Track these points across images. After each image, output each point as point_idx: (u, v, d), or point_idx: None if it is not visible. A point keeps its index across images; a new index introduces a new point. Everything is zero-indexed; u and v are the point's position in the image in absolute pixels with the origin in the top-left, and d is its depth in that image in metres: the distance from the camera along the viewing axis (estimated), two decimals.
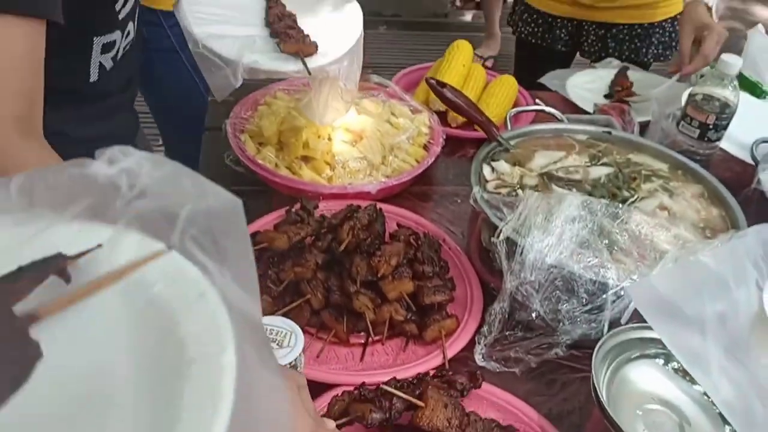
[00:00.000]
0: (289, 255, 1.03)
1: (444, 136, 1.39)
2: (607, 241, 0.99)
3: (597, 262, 0.94)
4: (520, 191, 1.10)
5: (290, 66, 1.12)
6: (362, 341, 0.99)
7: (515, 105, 1.60)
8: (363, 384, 0.87)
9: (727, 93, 1.24)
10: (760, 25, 1.73)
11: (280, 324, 0.82)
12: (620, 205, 1.02)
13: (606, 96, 1.66)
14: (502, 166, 1.18)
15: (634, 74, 1.74)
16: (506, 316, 0.98)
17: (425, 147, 1.35)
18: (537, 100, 1.55)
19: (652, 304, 0.86)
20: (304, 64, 1.11)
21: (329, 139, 1.27)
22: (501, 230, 0.98)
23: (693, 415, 0.86)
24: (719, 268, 0.94)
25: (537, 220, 0.99)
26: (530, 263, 0.94)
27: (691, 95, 1.28)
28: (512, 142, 1.25)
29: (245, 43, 1.10)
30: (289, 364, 0.78)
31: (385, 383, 0.83)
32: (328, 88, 1.19)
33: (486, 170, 1.17)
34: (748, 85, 1.59)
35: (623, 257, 0.99)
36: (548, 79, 1.75)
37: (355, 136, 1.29)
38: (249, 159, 1.25)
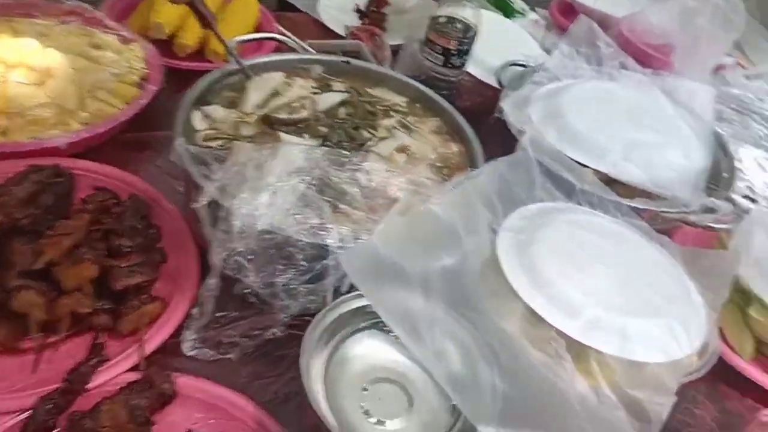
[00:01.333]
0: None
1: (165, 71, 1.17)
2: (332, 196, 0.86)
3: (317, 223, 0.81)
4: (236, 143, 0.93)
5: None
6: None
7: (259, 29, 1.40)
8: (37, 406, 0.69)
9: (467, 14, 1.15)
10: None
11: None
12: (347, 153, 0.89)
13: (360, 17, 1.52)
14: (217, 111, 1.00)
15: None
16: (219, 293, 0.82)
17: (140, 85, 1.12)
18: (276, 25, 1.37)
19: (366, 267, 0.75)
20: None
21: (1, 80, 0.99)
22: (203, 192, 0.81)
23: (422, 384, 0.78)
24: (449, 216, 0.86)
25: (248, 178, 0.83)
26: (238, 229, 0.78)
27: (433, 18, 1.17)
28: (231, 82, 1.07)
29: None
30: None
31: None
32: None
33: (196, 117, 0.98)
34: (499, 4, 1.53)
35: (352, 212, 0.87)
36: None
37: (41, 76, 1.03)
38: None
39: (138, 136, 1.10)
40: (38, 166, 0.92)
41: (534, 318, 0.79)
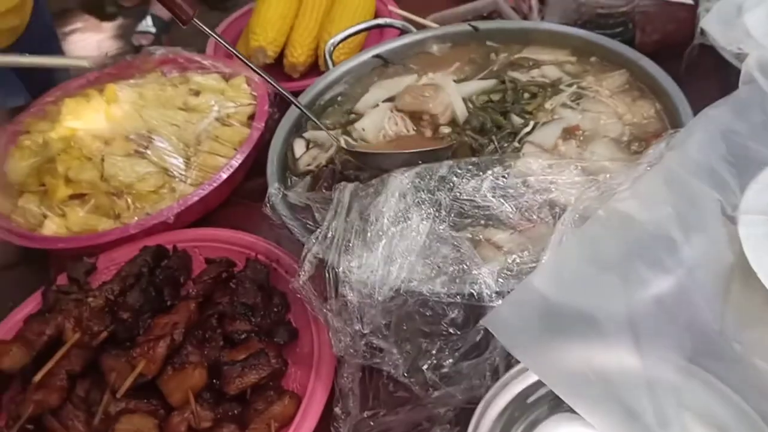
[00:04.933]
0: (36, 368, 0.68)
1: (276, 98, 1.00)
2: (472, 224, 0.62)
3: (457, 269, 0.57)
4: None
5: None
6: None
7: (378, 17, 1.19)
8: None
9: None
10: None
11: None
12: (486, 159, 0.64)
13: None
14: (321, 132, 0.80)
15: None
16: (362, 383, 0.62)
17: (250, 123, 0.97)
18: (390, 7, 1.14)
19: (530, 326, 0.49)
20: None
21: (102, 159, 0.89)
22: (306, 255, 0.62)
23: None
24: (650, 213, 0.57)
25: (354, 226, 0.62)
26: (355, 303, 0.58)
27: None
28: (340, 88, 0.86)
29: None
30: None
31: None
32: None
33: (298, 146, 0.79)
34: None
35: (504, 239, 0.61)
36: None
37: (140, 143, 0.91)
38: None
39: (257, 183, 0.94)
40: (147, 248, 0.81)
41: None
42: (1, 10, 1.19)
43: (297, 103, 0.77)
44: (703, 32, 0.79)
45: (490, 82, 0.81)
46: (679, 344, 0.51)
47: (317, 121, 0.77)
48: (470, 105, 0.78)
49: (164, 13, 3.17)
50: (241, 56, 0.73)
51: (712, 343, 0.51)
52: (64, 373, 0.67)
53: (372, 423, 0.62)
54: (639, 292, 0.53)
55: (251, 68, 0.71)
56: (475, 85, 0.80)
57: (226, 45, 0.71)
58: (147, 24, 3.17)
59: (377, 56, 0.90)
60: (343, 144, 0.75)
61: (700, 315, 0.52)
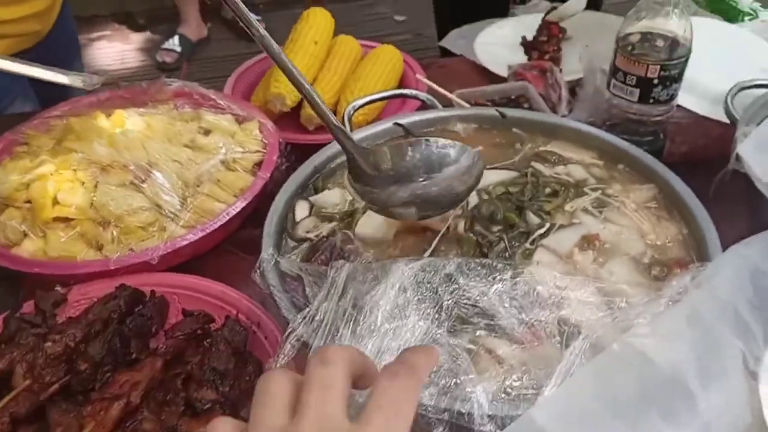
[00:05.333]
0: None
1: (287, 148, 0.97)
2: (472, 330, 0.57)
3: (450, 382, 0.52)
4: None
5: None
6: None
7: (402, 84, 1.17)
8: None
9: (672, 26, 0.80)
10: None
11: None
12: (493, 262, 0.59)
13: (527, 51, 1.22)
14: (329, 196, 0.76)
15: (577, 17, 1.26)
16: None
17: (255, 172, 0.93)
18: (417, 75, 1.11)
19: None
20: None
21: (95, 185, 0.85)
22: (289, 336, 0.56)
23: None
24: (668, 357, 0.52)
25: (347, 313, 0.57)
26: None
27: (621, 38, 0.84)
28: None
29: None
30: None
31: None
32: None
33: (300, 208, 0.75)
34: (718, 6, 1.14)
35: (504, 348, 0.56)
36: (452, 40, 1.32)
37: (138, 175, 0.87)
38: None
39: (252, 234, 0.90)
40: (124, 288, 0.76)
41: None
42: (24, 14, 1.16)
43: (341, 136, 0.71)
44: (738, 158, 0.75)
45: (511, 174, 0.78)
46: None
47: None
48: (485, 196, 0.74)
49: (192, 34, 3.20)
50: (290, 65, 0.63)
51: None
52: (7, 415, 0.61)
53: None
54: None
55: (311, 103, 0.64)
56: (495, 176, 0.77)
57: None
58: (174, 42, 3.19)
59: (398, 124, 0.86)
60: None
61: None
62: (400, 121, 0.85)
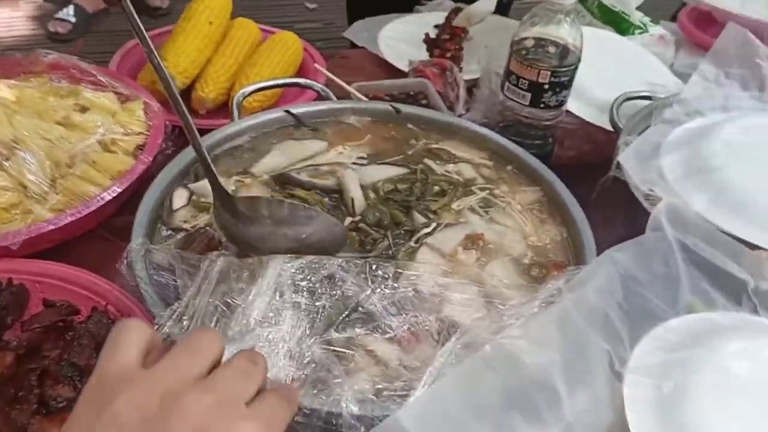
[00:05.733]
0: None
1: (174, 131, 0.92)
2: (350, 325, 0.55)
3: (318, 382, 0.51)
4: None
5: None
6: None
7: (301, 73, 1.14)
8: None
9: (564, 33, 0.82)
10: None
11: None
12: (374, 263, 0.58)
13: (429, 48, 1.22)
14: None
15: (485, 20, 1.27)
16: None
17: (137, 155, 0.88)
18: (315, 65, 1.09)
19: None
20: None
21: None
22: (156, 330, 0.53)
23: None
24: (538, 358, 0.52)
25: (217, 311, 0.54)
26: None
27: (515, 42, 0.84)
28: (242, 140, 0.79)
29: None
30: None
31: None
32: None
33: (179, 196, 0.71)
34: (610, 17, 1.18)
35: (382, 347, 0.55)
36: (355, 32, 1.30)
37: (4, 150, 0.80)
38: None
39: (129, 221, 0.84)
40: None
41: None
42: None
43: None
44: (619, 166, 0.78)
45: (400, 170, 0.77)
46: None
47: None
48: (372, 195, 0.72)
49: (88, 5, 3.01)
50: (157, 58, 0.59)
51: None
52: None
53: None
54: None
55: (165, 83, 0.58)
56: (384, 172, 0.76)
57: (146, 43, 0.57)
58: (68, 12, 2.99)
59: (289, 112, 0.83)
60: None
61: None
62: (292, 110, 0.82)
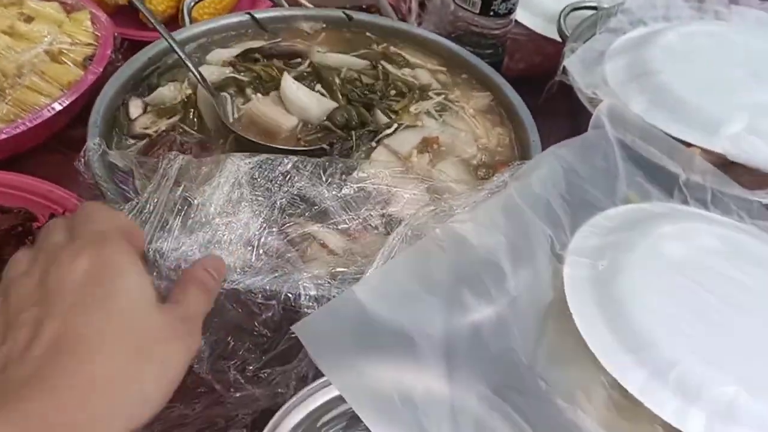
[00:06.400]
0: None
1: (123, 44, 0.90)
2: (304, 219, 0.58)
3: (277, 267, 0.53)
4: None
5: None
6: None
7: None
8: None
9: None
10: None
11: None
12: (328, 161, 0.61)
13: None
14: (165, 92, 0.72)
15: None
16: None
17: (86, 65, 0.86)
18: None
19: (341, 337, 0.47)
20: None
21: None
22: None
23: None
24: (484, 240, 0.56)
25: (177, 205, 0.56)
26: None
27: None
28: (194, 47, 0.79)
29: None
30: None
31: None
32: None
33: (134, 105, 0.71)
34: None
35: (333, 239, 0.58)
36: None
37: None
38: None
39: (82, 133, 0.84)
40: None
41: (627, 402, 0.50)
42: None
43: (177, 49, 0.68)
44: (565, 71, 0.80)
45: (363, 62, 0.78)
46: (489, 374, 0.50)
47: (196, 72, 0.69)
48: (336, 81, 0.74)
49: None
50: None
51: (520, 377, 0.51)
52: None
53: (166, 415, 0.56)
54: (459, 318, 0.51)
55: None
56: (347, 60, 0.77)
57: None
58: None
59: (250, 15, 0.83)
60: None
61: (513, 348, 0.52)
62: (255, 14, 0.82)
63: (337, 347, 0.45)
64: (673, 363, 0.49)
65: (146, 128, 0.67)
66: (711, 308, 0.53)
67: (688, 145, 0.73)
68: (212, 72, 0.73)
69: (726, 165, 0.72)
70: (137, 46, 0.90)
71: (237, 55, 0.75)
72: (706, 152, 0.73)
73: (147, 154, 0.65)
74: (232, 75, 0.73)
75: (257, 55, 0.75)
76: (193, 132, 0.67)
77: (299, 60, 0.77)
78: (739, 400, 0.48)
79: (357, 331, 0.47)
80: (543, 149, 0.70)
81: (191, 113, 0.69)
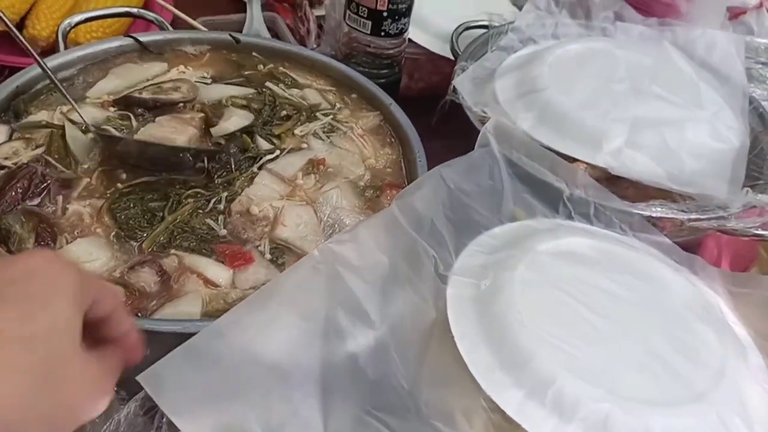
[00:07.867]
0: None
1: (4, 72, 0.86)
2: (179, 250, 0.56)
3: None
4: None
5: None
6: None
7: (145, 8, 1.09)
8: None
9: None
10: None
11: None
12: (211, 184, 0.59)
13: None
14: (36, 119, 0.69)
15: None
16: None
17: None
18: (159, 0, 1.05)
19: (201, 378, 0.45)
20: None
21: None
22: None
23: None
24: (364, 263, 0.55)
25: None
26: None
27: None
28: (70, 73, 0.76)
29: None
30: None
31: None
32: None
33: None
34: None
35: (215, 268, 0.56)
36: None
37: None
38: None
39: None
40: None
41: (507, 424, 0.49)
42: None
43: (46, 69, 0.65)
44: (455, 90, 0.81)
45: (246, 90, 0.77)
46: (365, 400, 0.49)
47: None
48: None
49: None
50: None
51: (400, 401, 0.50)
52: None
53: None
54: (336, 345, 0.50)
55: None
56: (228, 91, 0.76)
57: None
58: None
59: (132, 38, 0.80)
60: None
61: (393, 372, 0.51)
62: (139, 38, 0.80)
63: (192, 392, 0.43)
64: (550, 381, 0.49)
65: (6, 158, 0.64)
66: (585, 322, 0.54)
67: (574, 160, 0.74)
68: (92, 113, 0.70)
69: (611, 179, 0.74)
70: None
71: (118, 99, 0.72)
72: (591, 167, 0.75)
73: (4, 188, 0.61)
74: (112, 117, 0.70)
75: (139, 110, 0.72)
76: (57, 165, 0.63)
77: (182, 105, 0.74)
78: (613, 416, 0.48)
79: (221, 370, 0.45)
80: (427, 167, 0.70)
81: (57, 144, 0.65)
